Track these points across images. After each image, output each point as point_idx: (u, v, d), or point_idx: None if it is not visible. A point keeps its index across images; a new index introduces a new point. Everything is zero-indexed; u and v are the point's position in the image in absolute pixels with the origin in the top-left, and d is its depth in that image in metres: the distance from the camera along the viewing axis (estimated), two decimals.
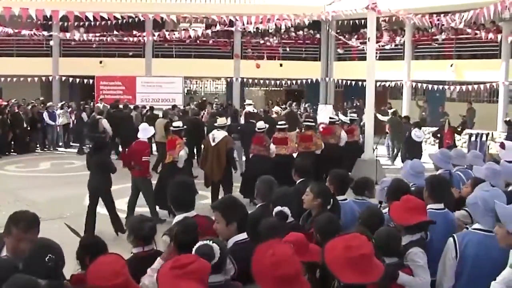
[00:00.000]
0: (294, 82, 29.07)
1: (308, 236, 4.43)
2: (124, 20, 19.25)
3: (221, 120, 12.80)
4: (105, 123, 17.63)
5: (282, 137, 13.24)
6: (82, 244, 4.17)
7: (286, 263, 3.17)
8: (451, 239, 4.41)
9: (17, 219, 3.83)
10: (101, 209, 11.89)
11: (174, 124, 12.41)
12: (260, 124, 13.31)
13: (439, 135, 18.97)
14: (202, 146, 12.96)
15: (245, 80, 29.38)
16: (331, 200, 5.31)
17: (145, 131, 11.59)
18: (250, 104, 20.53)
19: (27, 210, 4.04)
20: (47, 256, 3.33)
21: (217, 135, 11.98)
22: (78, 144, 21.04)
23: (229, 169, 12.02)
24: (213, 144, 11.90)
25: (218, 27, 21.06)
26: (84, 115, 21.22)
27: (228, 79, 29.64)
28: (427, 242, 4.77)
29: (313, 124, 15.23)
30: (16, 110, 20.25)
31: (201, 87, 35.39)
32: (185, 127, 12.44)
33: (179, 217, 4.58)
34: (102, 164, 10.24)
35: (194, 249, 3.51)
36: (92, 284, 3.27)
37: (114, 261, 3.46)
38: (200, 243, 3.56)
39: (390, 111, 20.97)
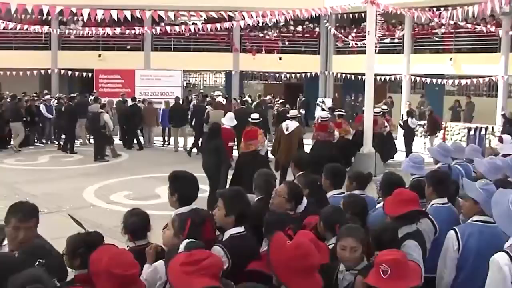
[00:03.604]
0: (293, 75, 29.06)
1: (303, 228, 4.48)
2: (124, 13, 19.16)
3: (293, 112, 14.67)
4: (106, 117, 17.59)
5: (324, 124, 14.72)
6: (88, 241, 4.03)
7: (310, 255, 3.24)
8: (452, 231, 4.43)
9: (15, 209, 3.90)
10: (100, 202, 11.96)
11: (252, 116, 13.40)
12: (323, 114, 15.25)
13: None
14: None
15: (244, 73, 29.36)
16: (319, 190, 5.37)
17: (230, 120, 13.25)
18: (219, 95, 22.07)
19: (26, 201, 4.06)
20: (36, 262, 3.30)
21: (291, 125, 13.39)
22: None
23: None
24: (286, 132, 13.24)
25: (217, 24, 20.98)
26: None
27: (227, 72, 29.61)
28: (436, 237, 4.80)
29: (344, 113, 16.95)
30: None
31: (200, 81, 35.37)
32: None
33: (181, 210, 4.54)
34: (217, 149, 11.14)
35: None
36: (108, 271, 3.24)
37: (125, 251, 3.47)
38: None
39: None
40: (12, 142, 19.51)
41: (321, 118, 15.26)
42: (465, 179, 4.31)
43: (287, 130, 13.32)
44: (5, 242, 3.94)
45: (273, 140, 14.65)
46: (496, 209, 3.75)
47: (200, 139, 18.03)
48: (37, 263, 3.24)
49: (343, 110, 17.40)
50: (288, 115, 14.37)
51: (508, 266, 3.49)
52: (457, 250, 4.36)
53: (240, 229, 4.20)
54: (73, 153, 18.71)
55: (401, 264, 3.30)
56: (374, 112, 16.83)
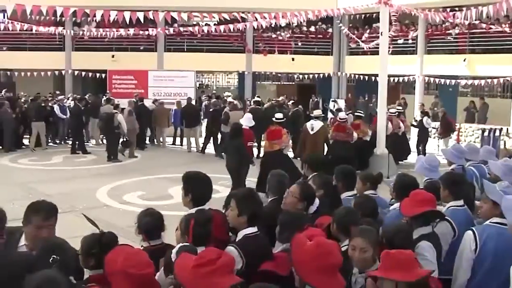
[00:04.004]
0: (306, 76, 29.01)
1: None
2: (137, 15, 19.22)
3: (317, 112, 15.14)
4: (120, 118, 17.63)
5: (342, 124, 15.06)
6: (102, 242, 4.04)
7: (332, 253, 3.27)
8: (469, 232, 4.40)
9: (36, 207, 3.91)
10: (113, 203, 12.00)
11: (277, 115, 13.84)
12: (342, 115, 15.59)
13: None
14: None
15: (257, 74, 29.37)
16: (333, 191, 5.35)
17: (249, 120, 13.40)
18: (229, 96, 22.38)
19: (44, 199, 4.08)
20: (50, 257, 3.32)
21: (316, 125, 13.78)
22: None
23: (327, 154, 13.74)
24: (311, 132, 13.59)
25: (230, 24, 21.01)
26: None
27: (240, 73, 29.63)
28: (453, 240, 4.77)
29: (363, 114, 17.02)
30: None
31: (213, 81, 35.41)
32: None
33: (191, 211, 4.56)
34: (239, 149, 11.58)
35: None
36: (124, 271, 3.25)
37: (140, 251, 3.47)
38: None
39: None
40: (27, 142, 19.77)
41: (340, 118, 15.30)
42: (485, 181, 4.28)
43: (312, 130, 13.63)
44: (22, 242, 3.95)
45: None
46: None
47: (219, 139, 18.34)
48: (51, 259, 3.26)
49: (361, 111, 17.36)
50: (312, 115, 14.82)
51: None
52: (474, 251, 4.32)
53: (253, 230, 4.19)
54: (86, 153, 18.77)
55: (402, 257, 3.31)
56: (390, 113, 16.99)
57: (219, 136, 18.58)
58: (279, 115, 13.95)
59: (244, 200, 4.27)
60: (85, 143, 19.97)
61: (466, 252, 4.36)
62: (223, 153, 16.93)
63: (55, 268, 3.21)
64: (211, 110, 19.73)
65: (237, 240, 4.17)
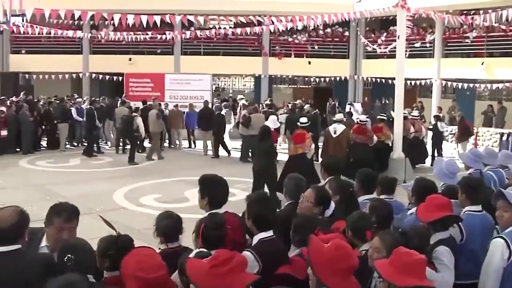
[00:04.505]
0: (322, 79, 28.98)
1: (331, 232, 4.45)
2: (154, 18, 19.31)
3: (338, 115, 15.44)
4: (139, 120, 17.69)
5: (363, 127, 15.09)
6: (119, 245, 4.07)
7: (351, 255, 3.28)
8: (500, 240, 4.25)
9: (59, 209, 3.94)
10: (130, 205, 12.05)
11: (301, 120, 13.90)
12: (362, 118, 15.67)
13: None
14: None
15: (273, 77, 29.38)
16: (350, 196, 5.33)
17: (273, 122, 13.86)
18: (242, 98, 22.45)
19: (67, 201, 4.12)
20: (66, 256, 3.35)
21: (338, 128, 13.98)
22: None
23: (348, 157, 13.91)
24: (334, 136, 13.80)
25: (247, 28, 21.06)
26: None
27: (256, 76, 29.66)
28: (462, 243, 4.71)
29: (385, 117, 16.79)
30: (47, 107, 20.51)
31: (229, 85, 35.47)
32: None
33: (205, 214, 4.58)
34: (267, 151, 11.71)
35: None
36: (135, 275, 3.28)
37: (153, 254, 3.49)
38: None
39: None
40: (45, 144, 20.16)
41: (360, 121, 15.28)
42: (504, 190, 4.14)
43: (335, 133, 13.82)
44: (43, 243, 3.98)
45: None
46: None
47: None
48: (66, 258, 3.29)
49: (384, 115, 17.24)
50: (334, 118, 15.12)
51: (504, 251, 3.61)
52: (507, 259, 4.18)
53: (268, 234, 4.18)
54: (91, 156, 18.71)
55: (408, 260, 3.27)
56: (413, 116, 17.19)
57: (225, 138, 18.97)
58: (303, 119, 14.00)
59: (252, 204, 4.30)
60: (101, 145, 20.12)
61: (496, 262, 4.19)
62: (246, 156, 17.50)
63: (71, 266, 3.25)
64: (216, 113, 19.80)
65: (252, 244, 4.17)
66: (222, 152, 19.00)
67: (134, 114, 17.94)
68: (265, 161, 11.60)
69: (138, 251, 3.53)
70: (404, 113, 17.32)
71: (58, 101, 21.28)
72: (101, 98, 22.81)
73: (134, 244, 3.94)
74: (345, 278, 3.22)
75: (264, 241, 4.13)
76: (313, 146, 13.26)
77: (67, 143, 20.87)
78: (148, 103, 20.58)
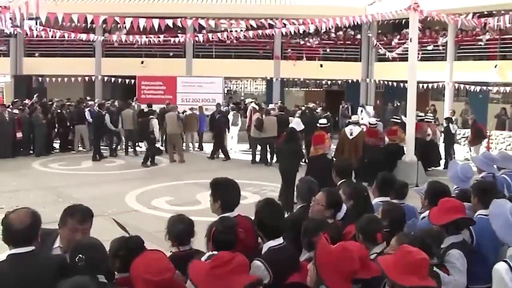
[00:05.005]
0: (334, 82, 28.93)
1: (343, 236, 4.45)
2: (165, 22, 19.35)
3: (355, 117, 15.75)
4: (155, 123, 17.74)
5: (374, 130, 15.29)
6: (129, 246, 4.11)
7: (355, 259, 3.28)
8: (503, 265, 3.64)
9: (73, 210, 3.97)
10: (141, 208, 12.08)
11: (321, 121, 14.20)
12: (372, 121, 15.80)
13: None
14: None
15: (285, 80, 29.36)
16: (364, 201, 5.30)
17: (298, 124, 14.19)
18: (252, 101, 22.44)
19: (81, 203, 4.14)
20: (77, 256, 3.37)
21: (354, 130, 14.15)
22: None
23: (363, 159, 14.23)
24: (350, 137, 13.96)
25: (259, 31, 21.05)
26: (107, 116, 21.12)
27: (268, 79, 29.65)
28: (473, 246, 4.68)
29: (399, 120, 16.84)
30: (59, 110, 20.62)
31: (241, 87, 35.48)
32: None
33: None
34: (296, 152, 12.02)
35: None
36: (143, 277, 3.31)
37: (161, 257, 3.52)
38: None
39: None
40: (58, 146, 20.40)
41: (370, 124, 15.29)
42: None
43: (351, 135, 13.97)
44: (56, 244, 4.01)
45: None
46: (496, 222, 3.70)
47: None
48: (77, 258, 3.31)
49: (399, 118, 17.19)
50: (350, 120, 15.40)
51: (509, 276, 3.42)
52: None
53: (277, 242, 4.15)
54: (96, 160, 18.60)
55: (412, 259, 3.24)
56: (428, 119, 17.47)
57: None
58: (323, 121, 14.31)
59: (258, 212, 4.29)
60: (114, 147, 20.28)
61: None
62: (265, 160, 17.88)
63: (82, 266, 3.28)
64: (217, 116, 19.85)
65: (262, 253, 4.15)
66: (235, 155, 19.06)
67: (151, 116, 17.97)
68: (293, 162, 11.78)
69: (147, 254, 3.57)
70: (420, 116, 17.59)
71: (74, 104, 21.56)
72: (110, 101, 22.84)
73: (144, 245, 3.97)
74: (345, 281, 3.22)
75: (273, 250, 4.09)
76: (332, 146, 13.66)
77: (79, 145, 20.97)
78: (165, 105, 20.76)
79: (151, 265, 3.37)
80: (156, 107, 20.22)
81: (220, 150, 19.17)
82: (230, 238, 4.00)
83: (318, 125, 14.06)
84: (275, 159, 17.50)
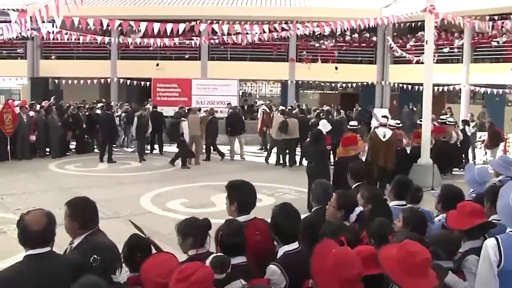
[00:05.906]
0: (349, 85, 28.85)
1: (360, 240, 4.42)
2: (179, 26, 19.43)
3: (383, 119, 15.56)
4: (185, 125, 17.75)
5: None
6: (131, 245, 4.19)
7: (348, 266, 3.19)
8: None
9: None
10: (156, 210, 12.10)
11: (351, 123, 14.67)
12: (394, 123, 15.75)
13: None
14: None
15: (300, 82, 29.33)
16: (383, 205, 5.26)
17: (324, 126, 14.02)
18: (263, 104, 22.57)
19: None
20: (92, 257, 3.41)
21: (387, 132, 14.19)
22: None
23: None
24: (384, 139, 14.00)
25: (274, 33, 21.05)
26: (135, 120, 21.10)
27: (283, 82, 29.65)
28: None
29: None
30: (76, 111, 20.74)
31: (256, 90, 35.51)
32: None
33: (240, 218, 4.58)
34: (322, 154, 12.16)
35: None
36: (152, 280, 3.35)
37: (170, 259, 3.53)
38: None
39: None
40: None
41: (389, 126, 15.26)
42: None
43: (384, 137, 14.02)
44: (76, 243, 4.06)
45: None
46: (500, 202, 3.70)
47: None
48: (92, 258, 3.34)
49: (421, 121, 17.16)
50: (379, 122, 15.80)
51: (494, 251, 3.48)
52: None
53: (293, 246, 4.13)
54: (102, 162, 18.67)
55: (414, 261, 3.19)
56: (449, 122, 17.70)
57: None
58: (353, 123, 14.69)
59: (274, 217, 4.27)
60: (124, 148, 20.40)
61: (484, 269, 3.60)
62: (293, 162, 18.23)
63: (97, 267, 3.33)
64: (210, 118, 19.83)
65: (277, 257, 4.13)
66: (249, 157, 19.05)
67: (182, 118, 18.02)
68: (319, 164, 11.83)
69: (158, 256, 3.61)
70: (441, 118, 18.00)
71: (104, 107, 21.38)
72: (123, 104, 22.95)
73: (149, 244, 4.14)
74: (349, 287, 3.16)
75: (289, 255, 4.08)
76: (366, 147, 14.12)
77: (95, 147, 21.07)
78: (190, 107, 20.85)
79: (159, 267, 3.42)
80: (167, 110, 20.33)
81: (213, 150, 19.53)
82: (237, 241, 3.98)
83: (348, 126, 14.45)
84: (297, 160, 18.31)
